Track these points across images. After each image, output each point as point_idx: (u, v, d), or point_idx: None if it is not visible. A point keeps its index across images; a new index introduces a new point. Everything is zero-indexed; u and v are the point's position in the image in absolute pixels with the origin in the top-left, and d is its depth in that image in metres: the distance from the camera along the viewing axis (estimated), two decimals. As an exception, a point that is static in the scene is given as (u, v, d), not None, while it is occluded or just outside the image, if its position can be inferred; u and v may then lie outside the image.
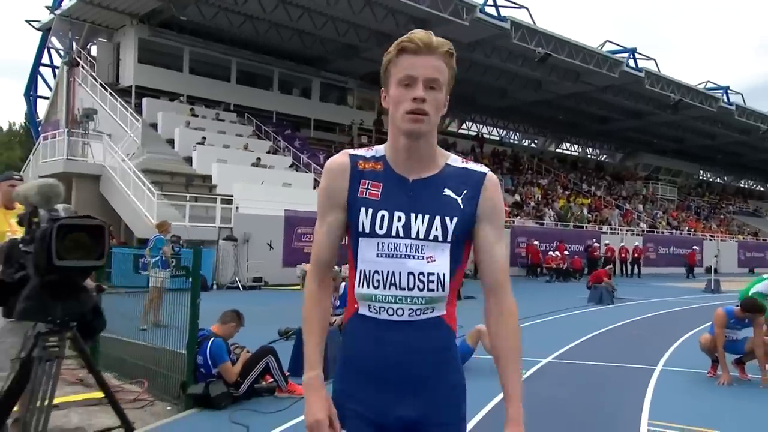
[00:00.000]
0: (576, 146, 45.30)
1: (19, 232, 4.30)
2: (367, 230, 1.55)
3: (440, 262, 1.54)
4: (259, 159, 21.20)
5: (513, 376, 1.55)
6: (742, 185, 54.69)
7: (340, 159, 1.63)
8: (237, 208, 17.17)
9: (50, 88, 26.24)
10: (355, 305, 1.60)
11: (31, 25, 25.40)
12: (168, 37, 23.84)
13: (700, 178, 50.66)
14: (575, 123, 37.92)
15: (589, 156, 45.45)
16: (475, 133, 38.93)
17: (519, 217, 27.16)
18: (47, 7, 24.06)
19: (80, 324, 3.47)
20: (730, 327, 6.06)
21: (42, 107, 26.93)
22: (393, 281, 1.53)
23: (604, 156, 46.29)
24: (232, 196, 17.67)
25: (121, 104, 21.02)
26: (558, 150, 43.76)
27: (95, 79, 22.28)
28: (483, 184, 1.59)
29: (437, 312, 1.56)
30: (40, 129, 24.91)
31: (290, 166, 22.64)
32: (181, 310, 5.03)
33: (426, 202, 1.55)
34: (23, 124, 42.87)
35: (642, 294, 16.77)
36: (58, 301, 3.32)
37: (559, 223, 28.55)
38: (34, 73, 26.78)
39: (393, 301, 1.54)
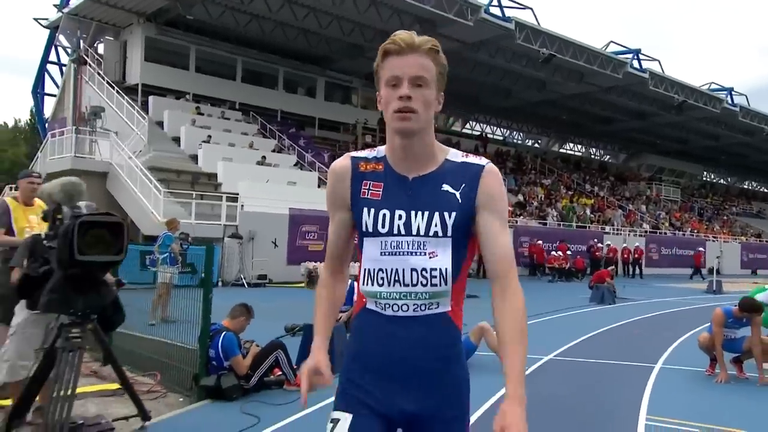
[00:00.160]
0: (579, 146, 45.33)
1: (37, 228, 4.46)
2: (370, 229, 1.61)
3: (442, 257, 1.57)
4: (264, 157, 21.35)
5: (513, 356, 1.50)
6: (745, 186, 54.61)
7: (342, 162, 1.70)
8: (242, 206, 17.33)
9: (57, 86, 26.43)
10: (364, 300, 1.66)
11: (39, 23, 25.60)
12: (174, 36, 24.02)
13: (704, 179, 50.61)
14: (579, 123, 37.95)
15: (592, 156, 45.49)
16: (478, 133, 39.05)
17: (522, 217, 27.25)
18: (55, 6, 24.28)
19: (101, 317, 3.63)
20: (728, 326, 6.15)
21: (49, 105, 27.16)
22: (397, 278, 1.58)
23: (608, 156, 46.31)
24: (237, 194, 17.83)
25: (127, 102, 21.20)
26: (561, 150, 43.81)
27: (102, 77, 22.47)
28: (481, 175, 1.60)
29: (442, 308, 1.60)
30: (47, 126, 25.10)
31: (295, 165, 22.79)
32: (194, 305, 5.18)
33: (425, 199, 1.59)
34: (28, 121, 43.11)
35: (644, 294, 16.85)
36: (79, 295, 3.48)
37: (561, 223, 28.64)
38: (42, 71, 26.95)
39: (398, 297, 1.58)
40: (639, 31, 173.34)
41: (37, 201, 4.65)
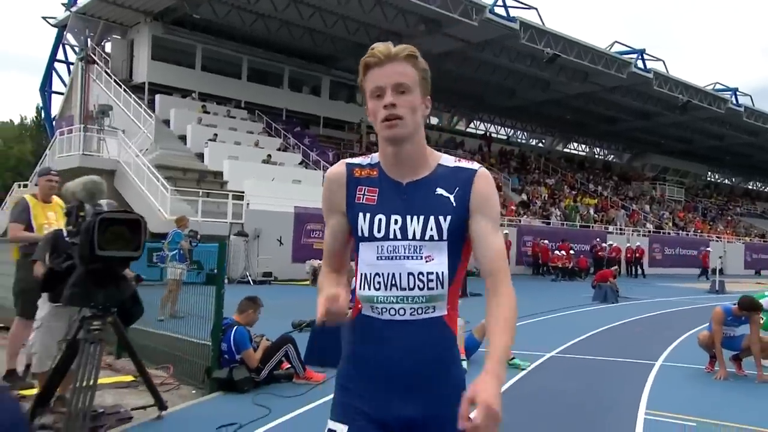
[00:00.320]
0: (583, 146, 45.36)
1: (56, 225, 4.62)
2: (366, 234, 1.62)
3: (439, 261, 1.59)
4: (269, 156, 21.51)
5: (496, 338, 1.50)
6: (750, 187, 54.54)
7: (337, 169, 1.71)
8: (248, 204, 17.48)
9: (65, 84, 26.67)
10: (359, 305, 1.67)
11: (48, 22, 25.84)
12: (181, 35, 24.19)
13: (708, 179, 50.57)
14: (583, 123, 37.99)
15: (596, 156, 45.51)
16: (483, 132, 39.12)
17: (525, 216, 27.34)
18: (63, 4, 24.54)
19: (120, 310, 3.78)
20: (727, 324, 6.26)
21: (56, 103, 27.39)
22: (393, 282, 1.59)
23: (612, 156, 46.31)
24: (243, 192, 17.98)
25: (134, 100, 21.40)
26: (565, 150, 43.84)
27: (109, 76, 22.67)
28: (473, 179, 1.63)
29: (438, 312, 1.61)
30: (54, 124, 25.32)
31: (300, 163, 22.93)
32: (203, 301, 5.34)
33: (420, 204, 1.61)
34: (34, 119, 43.35)
35: (646, 293, 16.92)
36: (100, 289, 3.64)
37: (565, 222, 28.71)
38: (50, 69, 27.20)
39: (394, 301, 1.59)
40: (643, 31, 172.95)
41: (55, 198, 4.81)
